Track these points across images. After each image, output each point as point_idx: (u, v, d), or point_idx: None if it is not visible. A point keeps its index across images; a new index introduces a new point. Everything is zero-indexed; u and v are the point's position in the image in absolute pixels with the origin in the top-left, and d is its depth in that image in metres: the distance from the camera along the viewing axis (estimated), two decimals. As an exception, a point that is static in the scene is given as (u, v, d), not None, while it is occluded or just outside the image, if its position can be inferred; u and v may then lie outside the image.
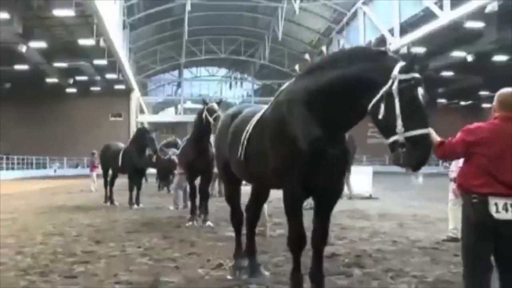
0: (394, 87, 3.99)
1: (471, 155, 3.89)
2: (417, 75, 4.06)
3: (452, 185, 8.43)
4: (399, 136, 3.94)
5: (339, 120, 4.53)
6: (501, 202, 3.74)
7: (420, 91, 4.01)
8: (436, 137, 4.02)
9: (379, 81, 4.10)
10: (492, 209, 3.74)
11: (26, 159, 49.75)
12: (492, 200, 3.75)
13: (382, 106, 4.06)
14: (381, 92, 4.06)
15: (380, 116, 4.09)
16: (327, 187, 4.88)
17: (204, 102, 10.79)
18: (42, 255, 7.66)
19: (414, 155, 3.91)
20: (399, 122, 3.93)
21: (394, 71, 4.04)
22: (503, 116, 3.93)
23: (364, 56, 4.42)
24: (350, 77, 4.31)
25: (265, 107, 5.50)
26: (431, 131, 4.01)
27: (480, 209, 3.77)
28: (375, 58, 4.31)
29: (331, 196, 5.03)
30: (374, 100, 4.11)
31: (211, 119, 10.29)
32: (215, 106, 10.57)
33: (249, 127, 5.37)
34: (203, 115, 10.54)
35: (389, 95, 4.03)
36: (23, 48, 36.36)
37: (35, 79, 48.27)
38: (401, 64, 4.09)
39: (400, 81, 3.98)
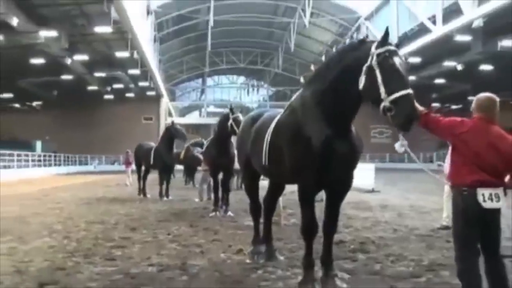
0: (373, 61, 4.13)
1: (458, 143, 3.90)
2: (392, 47, 4.19)
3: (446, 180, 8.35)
4: (385, 101, 3.97)
5: (345, 111, 4.57)
6: (487, 192, 3.76)
7: (397, 59, 4.11)
8: (420, 107, 4.05)
9: (363, 62, 4.21)
10: (480, 199, 3.76)
11: (71, 156, 50.17)
12: (480, 191, 3.77)
13: (366, 80, 4.16)
14: (364, 68, 4.18)
15: (366, 89, 4.17)
16: (338, 181, 4.87)
17: (231, 110, 10.53)
18: (85, 240, 7.75)
19: (401, 114, 3.92)
20: (382, 89, 4.01)
21: (372, 49, 4.20)
22: (480, 117, 3.94)
23: (349, 48, 4.67)
24: (343, 69, 4.44)
25: (282, 111, 5.49)
26: (417, 105, 4.04)
27: (470, 199, 3.78)
28: (357, 47, 4.49)
29: (341, 190, 5.03)
30: (359, 78, 4.21)
31: (237, 130, 10.09)
32: (241, 117, 10.17)
33: (269, 130, 5.35)
34: (229, 123, 10.36)
35: (370, 69, 4.15)
36: (68, 61, 36.77)
37: (78, 87, 48.64)
38: (376, 42, 4.25)
39: (378, 55, 4.13)
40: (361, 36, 42.21)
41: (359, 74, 4.24)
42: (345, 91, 4.42)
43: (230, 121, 10.36)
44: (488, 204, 3.76)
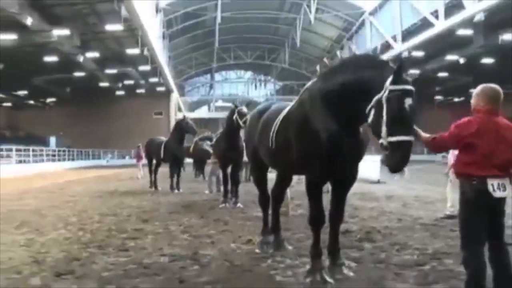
0: (384, 96, 3.91)
1: (467, 145, 3.85)
2: (407, 86, 3.91)
3: (451, 171, 8.31)
4: (383, 140, 3.89)
5: (350, 116, 4.44)
6: (495, 182, 3.77)
7: (408, 101, 3.86)
8: (425, 135, 4.06)
9: (375, 90, 4.00)
10: (490, 189, 3.76)
11: (84, 151, 50.42)
12: (489, 181, 3.77)
13: (373, 112, 4.01)
14: (374, 99, 4.00)
15: (370, 121, 4.05)
16: (344, 173, 4.86)
17: (235, 105, 10.59)
18: (99, 232, 7.80)
19: (393, 158, 3.85)
20: (384, 128, 3.87)
21: (387, 82, 3.94)
22: (487, 110, 3.89)
23: (368, 64, 4.31)
24: (354, 83, 4.23)
25: (291, 103, 5.47)
26: (420, 133, 4.04)
27: (480, 189, 3.77)
28: (375, 67, 4.18)
29: (347, 181, 5.02)
30: (369, 106, 4.05)
31: (241, 122, 10.16)
32: (244, 109, 10.30)
33: (277, 121, 5.34)
34: (234, 118, 10.40)
35: (379, 103, 3.96)
36: (81, 58, 36.88)
37: (90, 84, 48.80)
38: (391, 77, 3.94)
39: (390, 91, 3.89)
40: (366, 31, 42.20)
41: (366, 97, 4.06)
42: (354, 102, 4.23)
43: (236, 115, 10.38)
44: (497, 194, 3.77)
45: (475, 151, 3.80)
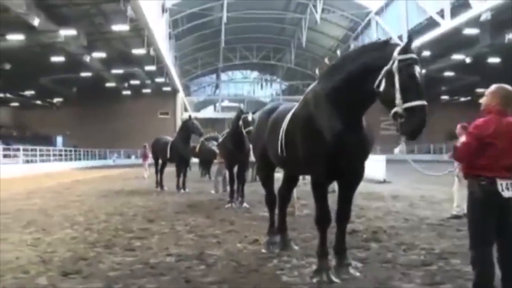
0: (394, 66, 4.06)
1: (483, 146, 3.81)
2: (414, 55, 4.12)
3: (457, 171, 8.26)
4: (398, 107, 3.96)
5: (357, 107, 4.54)
6: (504, 182, 3.77)
7: (417, 69, 4.05)
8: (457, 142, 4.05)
9: (383, 63, 4.16)
10: (500, 189, 3.76)
11: (90, 151, 50.60)
12: (499, 182, 3.76)
13: (384, 83, 4.11)
14: (383, 71, 4.12)
15: (382, 92, 4.13)
16: (350, 172, 4.85)
17: (240, 110, 10.59)
18: (106, 231, 7.81)
19: (410, 124, 3.92)
20: (398, 96, 3.98)
21: (394, 53, 4.12)
22: (501, 111, 3.87)
23: (371, 47, 4.54)
24: (361, 66, 4.37)
25: (297, 104, 5.47)
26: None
27: (489, 189, 3.77)
28: (379, 47, 4.38)
29: (353, 181, 5.01)
30: (378, 79, 4.16)
31: (244, 132, 10.18)
32: (250, 117, 10.22)
33: (284, 123, 5.35)
34: (240, 123, 10.41)
35: (389, 73, 4.09)
36: (87, 58, 37.09)
37: (96, 84, 49.02)
38: (399, 47, 4.17)
39: (399, 61, 4.05)
40: (372, 31, 42.22)
41: (376, 74, 4.19)
42: (360, 88, 4.37)
43: (241, 121, 10.40)
44: (506, 194, 3.77)
45: (488, 152, 3.79)
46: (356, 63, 4.44)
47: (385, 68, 4.12)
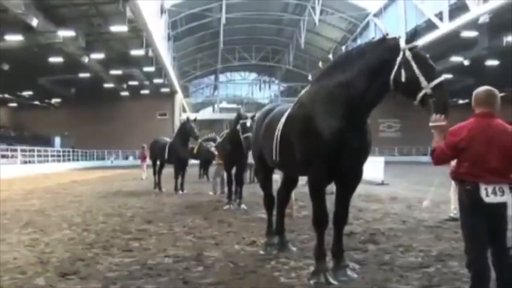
0: (407, 54, 4.27)
1: (461, 150, 3.78)
2: (417, 43, 4.45)
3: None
4: (426, 89, 4.11)
5: (361, 106, 4.59)
6: (489, 187, 3.70)
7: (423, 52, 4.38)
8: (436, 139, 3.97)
9: (391, 57, 4.34)
10: (483, 194, 3.70)
11: (88, 152, 50.55)
12: (482, 186, 3.71)
13: (403, 72, 4.26)
14: (397, 62, 4.30)
15: (403, 81, 4.26)
16: (348, 174, 4.86)
17: (239, 115, 10.41)
18: (104, 232, 7.82)
19: (443, 99, 4.06)
20: (422, 79, 4.15)
21: (401, 45, 4.34)
22: (479, 113, 3.86)
23: (370, 46, 4.70)
24: (365, 64, 4.50)
25: (291, 105, 5.47)
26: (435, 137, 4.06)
27: (473, 194, 3.73)
28: (379, 44, 4.58)
29: (351, 182, 5.01)
30: (394, 71, 4.31)
31: (242, 137, 10.00)
32: (248, 123, 9.97)
33: (280, 123, 5.35)
34: (238, 128, 10.19)
35: (406, 62, 4.27)
36: (85, 59, 37.04)
37: (95, 85, 48.91)
38: (403, 39, 4.41)
39: (410, 49, 4.29)
40: (371, 33, 42.29)
41: (383, 69, 4.37)
42: (365, 86, 4.47)
43: (239, 126, 10.21)
44: (491, 199, 3.69)
45: (467, 155, 3.75)
46: (361, 60, 4.55)
47: (398, 59, 4.30)
